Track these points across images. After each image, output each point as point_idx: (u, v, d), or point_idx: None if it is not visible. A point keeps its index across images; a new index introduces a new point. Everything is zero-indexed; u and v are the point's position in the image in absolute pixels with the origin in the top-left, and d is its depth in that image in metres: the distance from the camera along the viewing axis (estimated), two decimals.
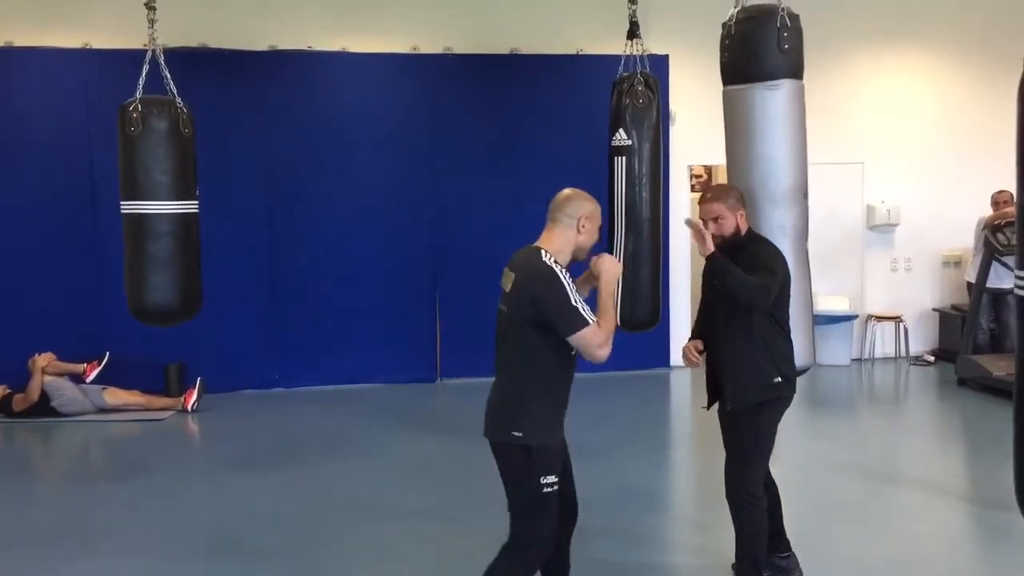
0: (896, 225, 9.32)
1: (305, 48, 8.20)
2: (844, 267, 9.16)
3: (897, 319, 9.28)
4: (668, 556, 4.60)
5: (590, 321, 3.09)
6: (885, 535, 4.72)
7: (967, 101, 9.29)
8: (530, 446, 3.14)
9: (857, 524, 4.82)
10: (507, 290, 3.20)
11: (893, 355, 9.36)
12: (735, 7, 4.30)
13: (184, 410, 7.48)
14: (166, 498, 5.41)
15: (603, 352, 3.11)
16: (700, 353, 3.86)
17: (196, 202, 5.41)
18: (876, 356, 9.30)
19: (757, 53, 4.20)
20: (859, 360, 9.27)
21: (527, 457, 3.14)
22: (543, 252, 3.18)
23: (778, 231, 4.11)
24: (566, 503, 3.38)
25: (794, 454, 5.95)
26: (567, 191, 3.31)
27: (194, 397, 7.52)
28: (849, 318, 8.98)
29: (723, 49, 4.32)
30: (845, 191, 9.11)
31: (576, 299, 3.10)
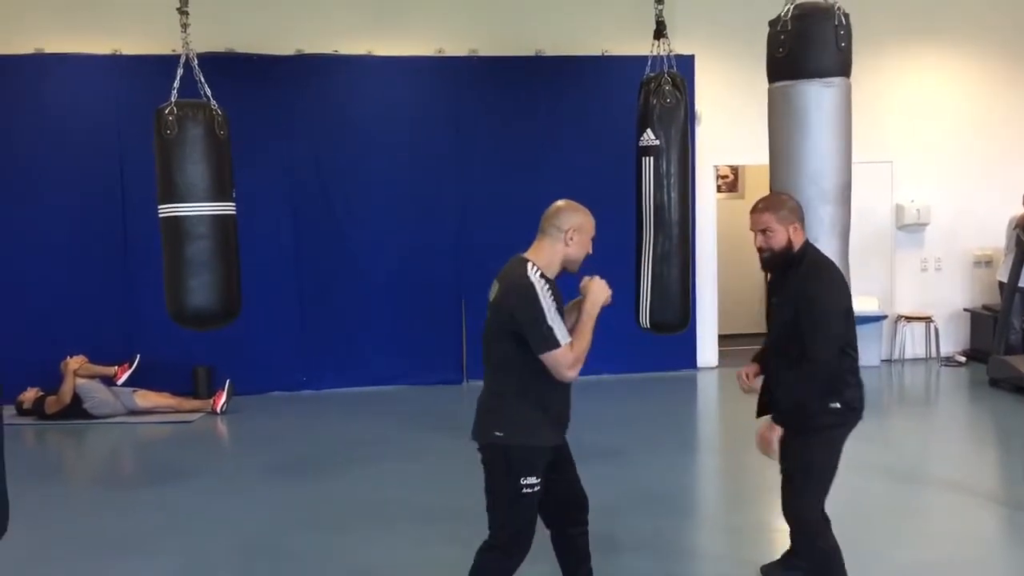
0: (926, 224, 9.23)
1: (331, 52, 8.24)
2: (873, 267, 9.07)
3: (927, 319, 9.18)
4: (696, 563, 4.56)
5: (561, 343, 3.08)
6: (916, 536, 4.67)
7: (997, 100, 9.19)
8: (509, 446, 3.16)
9: (887, 525, 4.78)
10: (491, 300, 3.22)
11: (923, 356, 9.27)
12: (789, 3, 4.28)
13: (213, 412, 7.54)
14: (196, 500, 5.44)
15: (570, 373, 3.11)
16: (755, 377, 3.71)
17: (233, 204, 5.43)
18: (906, 357, 9.21)
19: (816, 50, 4.20)
20: (889, 361, 9.19)
21: (506, 457, 3.17)
22: (529, 264, 3.16)
23: (829, 229, 4.12)
24: (570, 495, 3.41)
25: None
26: (559, 203, 3.28)
27: (223, 399, 7.58)
28: (879, 318, 8.90)
29: (776, 44, 4.29)
30: (874, 190, 9.03)
31: (552, 318, 3.08)
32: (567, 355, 3.09)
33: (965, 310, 9.40)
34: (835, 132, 4.23)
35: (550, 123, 8.47)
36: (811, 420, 3.40)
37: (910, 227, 9.26)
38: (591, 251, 3.30)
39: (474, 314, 8.32)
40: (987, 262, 9.34)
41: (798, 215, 3.52)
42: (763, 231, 3.49)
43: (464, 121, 8.42)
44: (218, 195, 5.28)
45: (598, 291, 3.24)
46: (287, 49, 8.17)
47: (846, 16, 4.23)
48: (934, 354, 9.21)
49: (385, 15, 8.44)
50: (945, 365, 9.06)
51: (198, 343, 7.43)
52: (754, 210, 3.56)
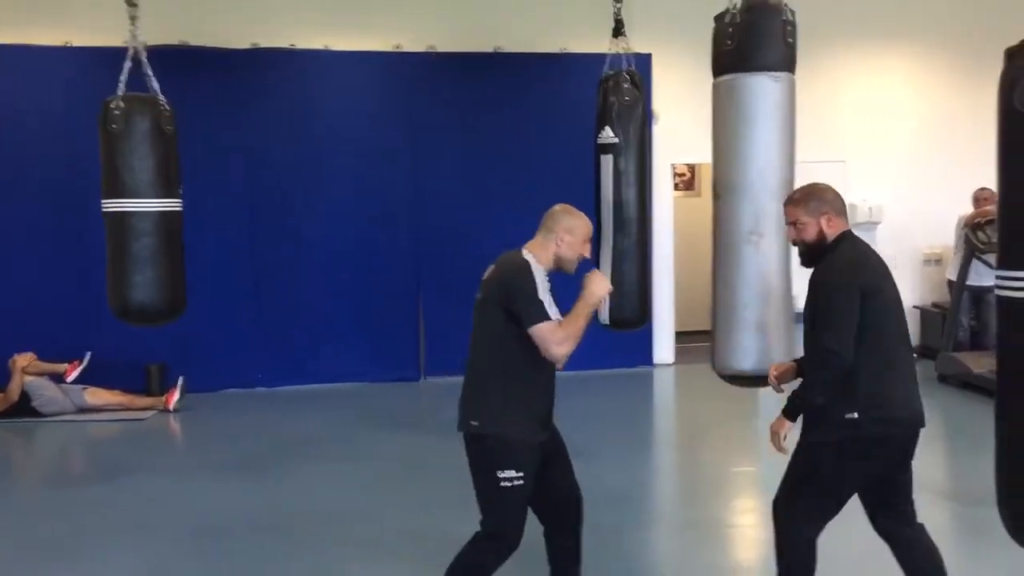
0: (878, 223, 9.37)
1: (287, 46, 8.15)
2: None
3: None
4: (652, 559, 4.60)
5: (551, 318, 3.16)
6: (864, 530, 4.72)
7: (949, 101, 9.36)
8: (483, 435, 3.20)
9: (836, 518, 4.83)
10: (483, 277, 3.31)
11: None
12: None
13: (166, 410, 7.43)
14: (147, 499, 5.35)
15: (559, 350, 3.15)
16: (779, 378, 3.47)
17: (179, 200, 5.37)
18: None
19: (766, 43, 4.22)
20: None
21: (482, 447, 3.21)
22: (524, 251, 3.30)
23: (776, 225, 4.12)
24: (558, 498, 3.42)
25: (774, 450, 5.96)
26: (558, 206, 3.39)
27: (175, 397, 7.47)
28: None
29: (724, 37, 4.30)
30: None
31: (543, 294, 3.18)
32: (556, 331, 3.15)
33: (915, 307, 9.55)
34: (781, 127, 4.27)
35: (508, 120, 8.46)
36: (823, 428, 3.16)
37: (862, 225, 9.38)
38: (587, 254, 3.40)
39: (431, 311, 8.29)
40: (937, 260, 9.52)
41: (832, 205, 3.28)
42: (793, 224, 3.30)
43: (421, 117, 8.39)
44: (164, 191, 5.22)
45: (597, 285, 3.30)
46: (242, 43, 8.07)
47: (792, 12, 4.28)
48: None
49: (343, 10, 8.37)
50: None
51: (150, 340, 7.31)
52: (786, 202, 3.40)
